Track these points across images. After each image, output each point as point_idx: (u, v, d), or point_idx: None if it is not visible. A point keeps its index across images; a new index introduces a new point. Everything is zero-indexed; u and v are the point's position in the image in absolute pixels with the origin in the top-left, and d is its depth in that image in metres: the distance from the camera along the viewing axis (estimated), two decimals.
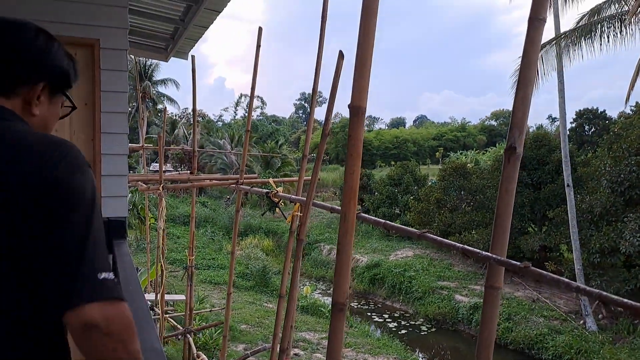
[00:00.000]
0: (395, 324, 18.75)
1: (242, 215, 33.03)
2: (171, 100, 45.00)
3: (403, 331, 18.04)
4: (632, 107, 44.68)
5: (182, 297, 5.30)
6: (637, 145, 16.44)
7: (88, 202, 1.06)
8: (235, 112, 79.33)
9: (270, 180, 3.41)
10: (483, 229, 21.05)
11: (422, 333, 17.96)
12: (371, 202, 30.70)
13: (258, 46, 3.22)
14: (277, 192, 3.31)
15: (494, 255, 1.46)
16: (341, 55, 2.11)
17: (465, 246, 1.59)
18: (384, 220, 2.08)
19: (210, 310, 7.76)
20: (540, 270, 1.30)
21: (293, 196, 3.14)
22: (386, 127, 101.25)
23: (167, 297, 9.05)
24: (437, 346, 17.02)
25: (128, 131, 3.43)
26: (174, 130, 42.98)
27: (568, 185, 16.53)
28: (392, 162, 50.02)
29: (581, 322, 16.05)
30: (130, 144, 6.53)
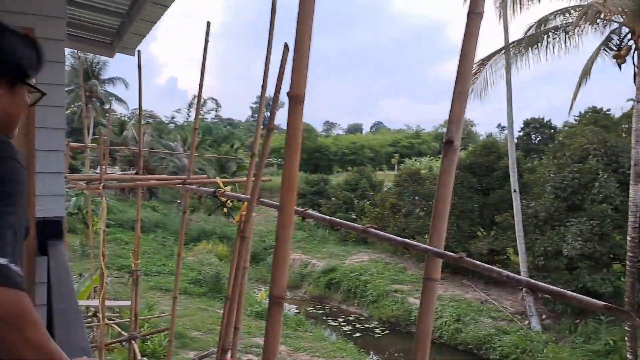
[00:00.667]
0: (350, 327, 18.84)
1: (195, 220, 32.43)
2: (120, 100, 43.35)
3: (357, 334, 18.14)
4: (576, 117, 46.72)
5: (128, 302, 5.14)
6: (580, 153, 17.22)
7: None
8: (188, 114, 77.70)
9: (218, 179, 3.35)
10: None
11: (376, 336, 18.11)
12: (328, 207, 30.83)
13: (206, 42, 3.16)
14: (225, 191, 3.24)
15: (431, 247, 1.46)
16: (286, 47, 2.09)
17: (406, 240, 1.60)
18: (329, 217, 2.07)
19: (157, 317, 7.56)
20: (474, 261, 1.31)
21: (240, 195, 3.09)
22: (344, 133, 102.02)
23: (112, 303, 8.76)
24: (390, 348, 17.20)
25: (65, 126, 3.29)
26: (122, 132, 41.57)
27: (515, 191, 17.09)
28: (349, 168, 50.43)
29: (526, 322, 16.59)
30: (74, 144, 6.31)
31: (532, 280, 1.14)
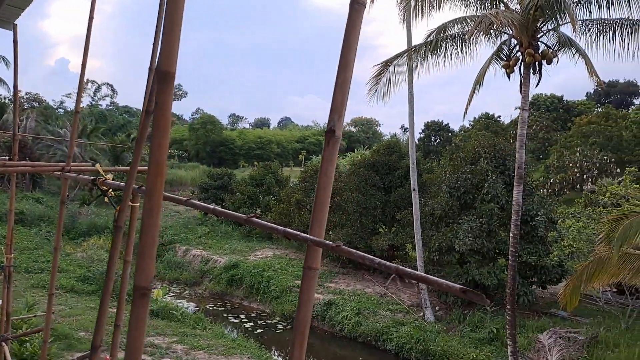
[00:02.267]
0: (252, 324, 18.71)
1: (85, 214, 30.51)
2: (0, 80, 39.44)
3: (259, 330, 18.07)
4: (471, 122, 49.89)
5: None
6: (472, 155, 18.36)
7: None
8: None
9: (98, 166, 3.12)
10: (339, 229, 21.93)
11: (278, 331, 18.14)
12: (232, 202, 30.40)
13: (91, 18, 2.92)
14: (105, 179, 3.03)
15: (311, 237, 1.44)
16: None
17: (286, 229, 1.56)
18: (212, 206, 1.98)
19: (35, 316, 6.95)
20: (349, 249, 1.30)
21: (122, 183, 2.90)
22: (250, 127, 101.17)
23: None
24: (290, 349, 17.28)
25: None
26: (2, 115, 37.78)
27: (414, 190, 17.85)
28: (255, 163, 50.05)
29: (421, 314, 17.44)
30: None
31: (400, 267, 1.16)
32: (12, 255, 4.09)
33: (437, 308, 17.82)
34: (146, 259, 1.28)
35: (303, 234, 1.48)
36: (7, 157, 3.91)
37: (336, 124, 1.46)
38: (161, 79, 1.23)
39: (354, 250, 1.30)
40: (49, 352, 9.05)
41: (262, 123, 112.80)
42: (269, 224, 1.69)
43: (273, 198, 29.67)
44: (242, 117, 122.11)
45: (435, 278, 1.06)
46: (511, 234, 12.87)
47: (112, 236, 2.18)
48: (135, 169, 1.96)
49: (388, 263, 1.18)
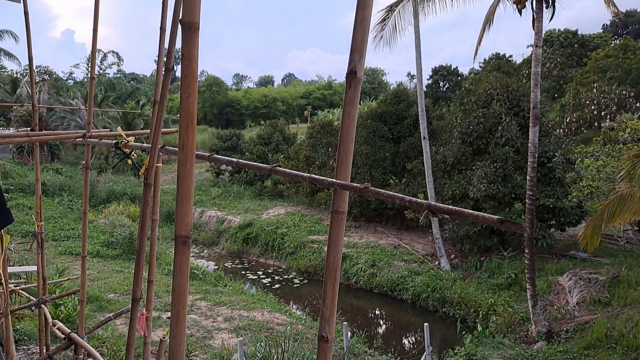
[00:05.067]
0: (269, 280, 19.14)
1: (103, 181, 30.94)
2: (10, 55, 39.33)
3: (277, 285, 18.49)
4: (481, 64, 48.80)
5: (34, 268, 4.86)
6: (484, 98, 18.03)
7: None
8: (87, 69, 72.61)
9: (119, 129, 3.17)
10: None
11: (295, 286, 18.56)
12: None
13: None
14: (128, 141, 3.08)
15: (337, 181, 1.48)
16: None
17: (312, 175, 1.60)
18: (235, 160, 2.03)
19: (68, 279, 7.25)
20: (377, 189, 1.34)
21: (144, 145, 2.95)
22: (255, 86, 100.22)
23: (17, 269, 8.26)
24: (309, 296, 17.73)
25: None
26: (15, 90, 38.02)
27: (424, 138, 17.72)
28: (262, 122, 49.87)
29: (436, 263, 17.66)
30: None
31: (432, 203, 1.19)
32: (42, 222, 4.20)
33: (452, 256, 18.03)
34: (184, 208, 1.34)
35: (329, 179, 1.52)
36: (28, 129, 3.96)
37: (357, 64, 1.48)
38: (186, 29, 1.25)
39: (382, 190, 1.34)
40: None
41: (267, 81, 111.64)
42: (293, 172, 1.73)
43: (282, 156, 29.73)
44: (247, 76, 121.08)
45: (470, 211, 1.10)
46: (528, 177, 12.77)
47: (142, 194, 2.24)
48: (159, 125, 2.00)
49: (419, 200, 1.22)
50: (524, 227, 1.02)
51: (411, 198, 1.26)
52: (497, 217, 1.07)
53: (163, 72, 2.20)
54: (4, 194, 4.15)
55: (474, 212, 1.12)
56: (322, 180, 1.56)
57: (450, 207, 1.16)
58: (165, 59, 2.17)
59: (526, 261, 12.73)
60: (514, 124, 16.75)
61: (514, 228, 1.04)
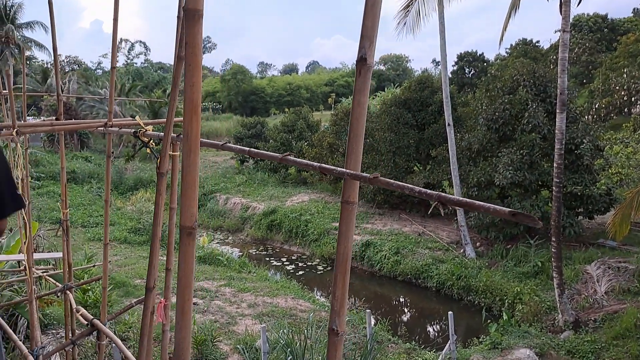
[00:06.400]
0: (293, 266, 19.26)
1: (131, 169, 31.51)
2: (40, 45, 40.16)
3: (300, 272, 18.60)
4: (507, 49, 47.76)
5: (61, 254, 4.98)
6: (510, 84, 17.67)
7: None
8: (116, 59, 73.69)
9: (138, 118, 3.18)
10: (373, 170, 21.89)
11: (319, 272, 18.63)
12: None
13: None
14: (146, 130, 3.09)
15: (347, 170, 1.44)
16: None
17: (321, 164, 1.57)
18: (248, 149, 2.00)
19: (94, 266, 7.44)
20: (387, 180, 1.30)
21: (161, 133, 2.95)
22: (279, 74, 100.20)
23: (44, 255, 8.45)
24: (332, 283, 17.76)
25: None
26: (46, 80, 38.84)
27: (449, 125, 17.48)
28: (286, 109, 49.87)
29: (461, 251, 17.49)
30: None
31: (442, 194, 1.14)
32: (68, 210, 4.28)
33: (477, 244, 17.83)
34: (188, 199, 1.32)
35: (339, 168, 1.49)
36: (54, 118, 4.03)
37: (367, 51, 1.43)
38: (190, 17, 1.22)
39: (392, 181, 1.29)
40: (109, 299, 9.60)
41: (291, 69, 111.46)
42: (304, 160, 1.70)
43: (305, 143, 29.71)
44: (271, 64, 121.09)
45: (481, 203, 1.05)
46: (555, 164, 12.51)
47: (156, 183, 2.25)
48: (172, 115, 1.99)
49: (429, 191, 1.18)
50: (537, 220, 0.96)
51: (420, 189, 1.21)
52: (509, 209, 1.02)
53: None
54: (27, 180, 4.23)
55: (485, 204, 1.07)
56: (332, 170, 1.52)
57: (461, 199, 1.12)
58: (179, 48, 2.15)
59: (553, 249, 12.51)
60: (540, 110, 16.39)
61: (527, 221, 0.99)
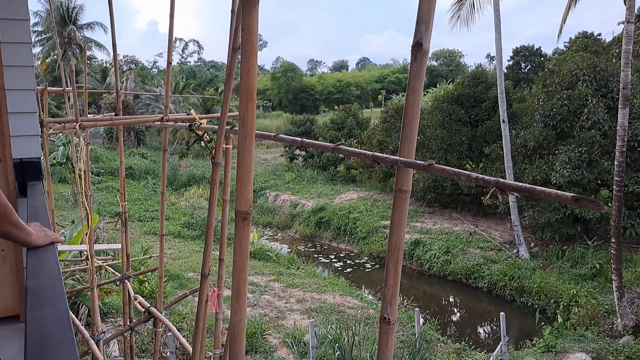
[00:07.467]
0: (341, 264, 19.27)
1: (184, 166, 32.39)
2: (100, 45, 41.94)
3: (348, 270, 18.58)
4: (566, 43, 45.94)
5: (119, 245, 5.25)
6: (569, 79, 16.98)
7: None
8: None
9: (193, 112, 3.27)
10: None
11: (367, 270, 18.56)
12: None
13: None
14: (200, 124, 3.18)
15: (400, 158, 1.43)
16: None
17: (375, 153, 1.56)
18: (300, 139, 2.02)
19: (150, 257, 7.74)
20: (442, 167, 1.28)
21: (214, 126, 3.02)
22: (329, 71, 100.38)
23: (104, 246, 8.83)
24: (380, 282, 17.66)
25: (34, 64, 3.16)
26: (105, 79, 40.51)
27: (504, 121, 17.02)
28: (335, 107, 49.89)
29: (514, 251, 17.00)
30: (51, 88, 6.11)
31: (500, 180, 1.11)
32: (126, 203, 4.47)
33: (532, 244, 17.28)
34: (244, 184, 1.34)
35: (392, 157, 1.47)
36: (113, 114, 4.22)
37: (423, 35, 1.41)
38: (246, 2, 1.24)
39: (448, 168, 1.27)
40: (164, 290, 9.92)
41: (341, 66, 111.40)
42: (356, 149, 1.69)
43: (355, 141, 29.61)
44: (321, 61, 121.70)
45: (542, 188, 1.02)
46: (616, 162, 11.98)
47: (211, 172, 2.31)
48: (227, 104, 2.04)
49: (487, 177, 1.15)
50: (601, 205, 0.92)
51: (478, 175, 1.19)
52: (572, 194, 0.98)
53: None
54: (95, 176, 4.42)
55: (546, 189, 1.03)
56: (385, 158, 1.51)
57: (520, 184, 1.09)
58: (233, 39, 2.19)
59: (612, 251, 11.99)
60: (601, 106, 15.68)
61: (590, 206, 0.95)
